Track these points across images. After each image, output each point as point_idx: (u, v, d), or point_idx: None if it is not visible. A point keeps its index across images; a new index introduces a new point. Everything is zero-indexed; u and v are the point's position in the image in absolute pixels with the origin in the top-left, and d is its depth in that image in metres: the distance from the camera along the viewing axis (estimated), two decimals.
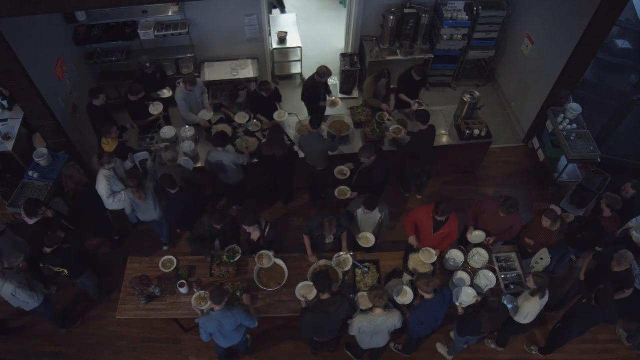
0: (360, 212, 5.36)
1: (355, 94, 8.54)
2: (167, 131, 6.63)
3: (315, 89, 6.77)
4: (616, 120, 7.34)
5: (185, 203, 5.60)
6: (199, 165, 6.38)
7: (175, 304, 5.25)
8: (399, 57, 7.98)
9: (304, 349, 5.84)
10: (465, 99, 6.63)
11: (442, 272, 5.46)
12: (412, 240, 5.34)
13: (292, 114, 6.81)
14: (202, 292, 5.11)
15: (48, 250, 4.99)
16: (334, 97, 7.00)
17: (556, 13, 6.77)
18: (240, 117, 6.60)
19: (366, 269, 5.38)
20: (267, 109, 6.68)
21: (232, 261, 5.38)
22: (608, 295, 4.59)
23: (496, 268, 5.43)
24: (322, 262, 5.43)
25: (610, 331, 5.96)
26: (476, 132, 6.65)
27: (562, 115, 6.97)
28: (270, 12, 8.77)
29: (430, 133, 6.13)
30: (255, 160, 6.31)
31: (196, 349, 5.85)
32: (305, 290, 5.08)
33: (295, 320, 5.87)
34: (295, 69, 8.74)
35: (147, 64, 6.68)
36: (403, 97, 6.94)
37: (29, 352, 5.84)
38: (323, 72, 6.55)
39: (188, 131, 6.61)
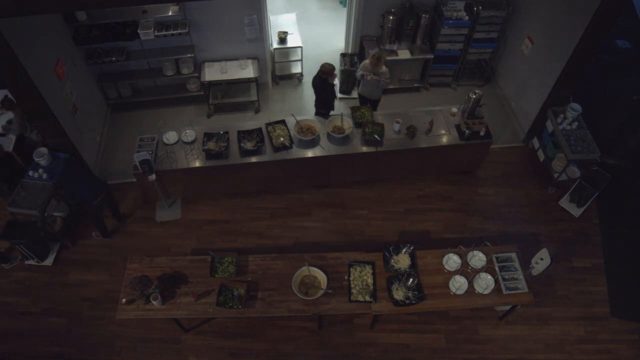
0: None
1: (355, 93, 8.53)
2: (171, 136, 6.64)
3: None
4: (616, 120, 7.35)
5: None
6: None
7: (175, 304, 5.26)
8: (399, 57, 7.98)
9: (304, 349, 5.85)
10: (471, 96, 6.70)
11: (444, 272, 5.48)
12: None
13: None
14: None
15: None
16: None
17: (556, 13, 6.76)
18: None
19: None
20: None
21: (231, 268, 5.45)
22: None
23: (496, 268, 5.44)
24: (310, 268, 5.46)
25: (611, 331, 5.97)
26: (476, 132, 6.66)
27: (562, 115, 6.97)
28: None
29: None
30: None
31: (196, 349, 5.86)
32: None
33: (295, 319, 5.92)
34: (296, 68, 8.74)
35: None
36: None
37: (29, 352, 5.85)
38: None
39: (189, 135, 6.63)
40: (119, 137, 7.90)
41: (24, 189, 6.28)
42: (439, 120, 6.90)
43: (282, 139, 6.56)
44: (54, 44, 6.62)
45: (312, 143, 6.61)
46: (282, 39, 8.22)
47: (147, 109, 8.26)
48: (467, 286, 5.31)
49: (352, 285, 5.32)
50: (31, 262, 6.41)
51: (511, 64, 8.13)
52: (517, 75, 7.96)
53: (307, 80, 8.77)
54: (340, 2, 9.95)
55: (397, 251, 5.58)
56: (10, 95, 6.77)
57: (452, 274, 5.42)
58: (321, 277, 5.37)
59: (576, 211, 6.91)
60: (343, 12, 8.76)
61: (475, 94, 6.70)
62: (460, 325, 6.00)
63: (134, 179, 6.54)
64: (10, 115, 6.77)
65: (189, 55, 7.75)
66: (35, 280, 6.37)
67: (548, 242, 6.65)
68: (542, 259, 5.63)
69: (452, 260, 5.51)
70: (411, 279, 5.32)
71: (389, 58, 7.96)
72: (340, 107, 8.12)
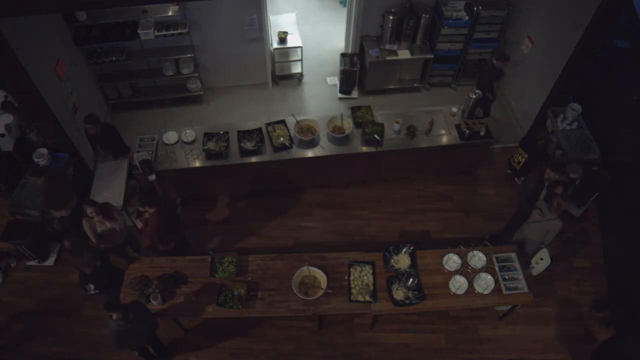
0: None
1: (355, 94, 8.53)
2: (171, 136, 6.63)
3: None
4: (616, 120, 7.35)
5: None
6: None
7: (175, 304, 5.25)
8: (399, 57, 7.98)
9: (304, 349, 5.85)
10: (471, 96, 6.73)
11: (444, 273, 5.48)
12: None
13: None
14: None
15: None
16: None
17: (556, 13, 6.76)
18: None
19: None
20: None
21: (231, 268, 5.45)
22: None
23: (496, 268, 5.44)
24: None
25: (610, 331, 5.96)
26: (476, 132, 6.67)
27: (562, 115, 6.97)
28: None
29: None
30: None
31: (196, 349, 5.86)
32: None
33: (295, 319, 5.92)
34: (296, 68, 8.74)
35: None
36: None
37: (29, 352, 5.85)
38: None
39: (189, 135, 6.63)
40: None
41: (24, 189, 6.28)
42: (439, 120, 6.90)
43: (282, 139, 6.56)
44: (54, 44, 6.62)
45: (312, 143, 6.61)
46: (282, 39, 8.22)
47: (147, 109, 8.26)
48: (467, 286, 5.31)
49: (352, 285, 5.32)
50: (32, 262, 6.41)
51: (511, 64, 8.11)
52: (517, 75, 7.95)
53: (307, 80, 8.79)
54: (340, 2, 9.95)
55: (397, 251, 5.58)
56: (10, 98, 6.77)
57: (452, 274, 5.42)
58: (321, 277, 5.37)
59: (576, 211, 6.90)
60: (343, 12, 8.75)
61: (475, 94, 6.71)
62: (460, 325, 6.00)
63: (134, 179, 6.55)
64: (9, 118, 6.74)
65: (189, 55, 7.75)
66: (36, 280, 6.37)
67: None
68: (542, 259, 5.62)
69: (452, 260, 5.51)
70: (411, 279, 5.32)
71: (388, 58, 7.97)
72: (340, 107, 8.13)
